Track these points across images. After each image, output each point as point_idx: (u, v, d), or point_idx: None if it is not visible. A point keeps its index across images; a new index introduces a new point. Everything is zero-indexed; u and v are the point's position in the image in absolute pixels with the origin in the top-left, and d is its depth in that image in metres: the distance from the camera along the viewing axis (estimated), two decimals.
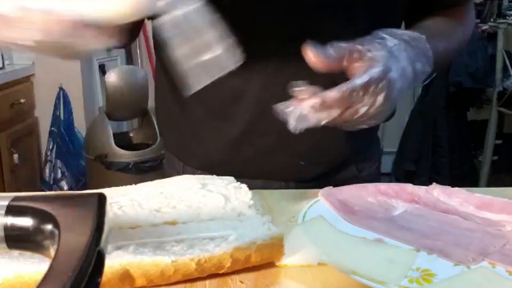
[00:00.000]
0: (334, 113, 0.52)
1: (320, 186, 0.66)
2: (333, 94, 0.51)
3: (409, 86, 0.57)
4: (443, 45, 0.67)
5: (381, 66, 0.53)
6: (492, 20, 2.85)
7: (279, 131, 0.71)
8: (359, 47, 0.54)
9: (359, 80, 0.52)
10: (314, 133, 0.72)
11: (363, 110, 0.53)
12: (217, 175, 0.68)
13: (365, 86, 0.52)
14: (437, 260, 0.51)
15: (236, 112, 0.73)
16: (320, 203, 0.62)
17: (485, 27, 2.79)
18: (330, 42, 0.54)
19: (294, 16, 0.67)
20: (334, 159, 0.78)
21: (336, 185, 0.66)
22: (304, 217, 0.58)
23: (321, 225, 0.56)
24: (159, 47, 0.76)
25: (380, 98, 0.53)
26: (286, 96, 0.56)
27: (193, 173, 0.70)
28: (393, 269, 0.48)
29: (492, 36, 2.78)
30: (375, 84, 0.52)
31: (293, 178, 0.77)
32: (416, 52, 0.58)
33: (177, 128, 0.82)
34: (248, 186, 0.63)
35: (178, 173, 0.81)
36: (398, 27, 0.74)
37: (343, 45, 0.54)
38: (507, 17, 2.82)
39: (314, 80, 0.66)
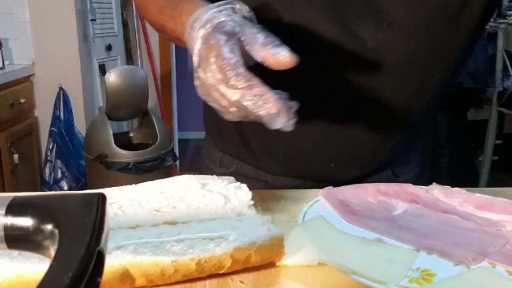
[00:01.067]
0: None
1: None
2: None
3: None
4: None
5: None
6: (492, 20, 2.84)
7: (313, 134, 0.73)
8: None
9: None
10: (345, 137, 0.72)
11: None
12: (255, 166, 0.78)
13: None
14: (437, 260, 0.51)
15: None
16: (320, 203, 0.62)
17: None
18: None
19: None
20: (367, 163, 0.78)
21: None
22: (304, 217, 0.58)
23: (321, 225, 0.56)
24: None
25: None
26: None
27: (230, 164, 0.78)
28: (393, 269, 0.48)
29: (492, 36, 2.79)
30: None
31: (327, 180, 0.77)
32: None
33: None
34: (281, 184, 0.63)
35: (215, 165, 0.85)
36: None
37: None
38: (507, 17, 2.82)
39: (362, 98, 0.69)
